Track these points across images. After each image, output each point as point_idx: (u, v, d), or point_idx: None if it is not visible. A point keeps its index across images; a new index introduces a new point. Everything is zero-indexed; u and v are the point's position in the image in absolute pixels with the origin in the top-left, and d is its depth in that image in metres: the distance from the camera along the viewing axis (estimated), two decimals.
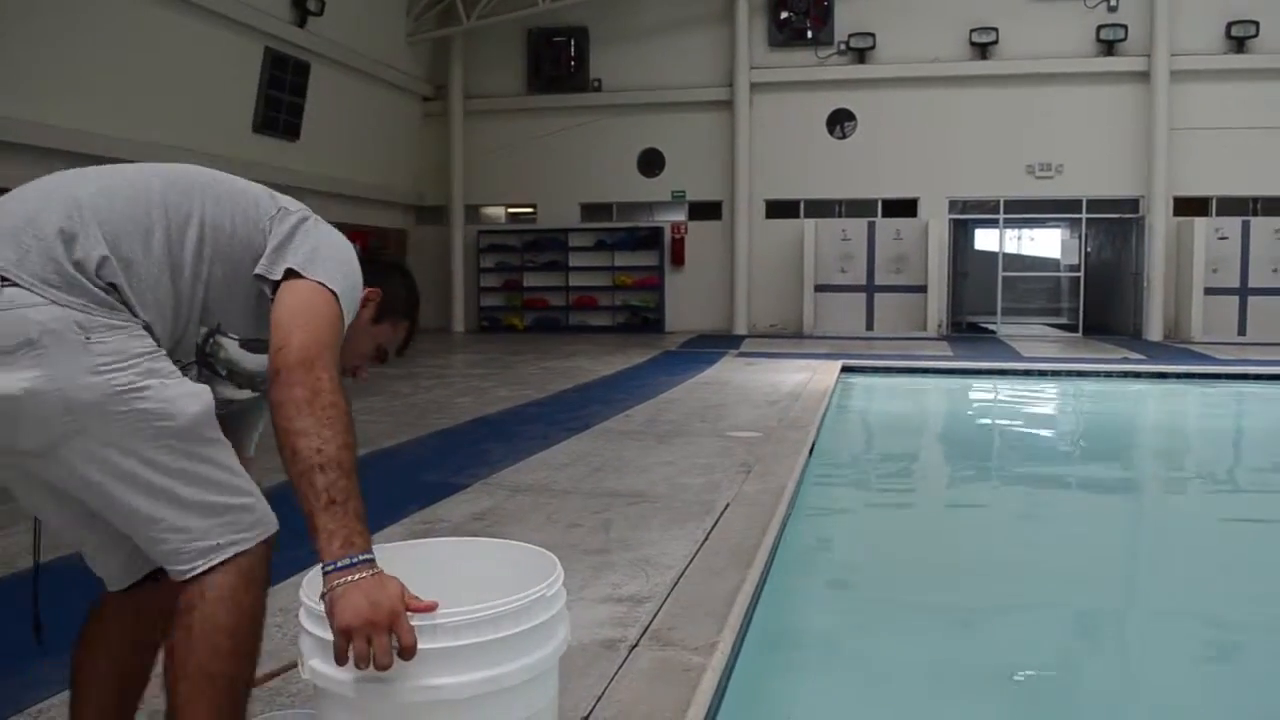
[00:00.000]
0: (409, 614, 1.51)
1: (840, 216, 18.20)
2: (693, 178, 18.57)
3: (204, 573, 1.68)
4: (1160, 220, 16.88)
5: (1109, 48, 16.94)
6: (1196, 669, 3.68)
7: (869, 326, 17.67)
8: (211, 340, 1.83)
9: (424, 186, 19.58)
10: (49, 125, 11.11)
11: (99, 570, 1.88)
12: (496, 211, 20.03)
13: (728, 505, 4.85)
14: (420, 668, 1.51)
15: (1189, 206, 17.10)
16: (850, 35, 17.68)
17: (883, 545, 5.44)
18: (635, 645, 3.08)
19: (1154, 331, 16.85)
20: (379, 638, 1.47)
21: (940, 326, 17.53)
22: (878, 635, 3.93)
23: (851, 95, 17.94)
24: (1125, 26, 16.73)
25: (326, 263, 1.80)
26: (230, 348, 1.84)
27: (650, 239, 18.75)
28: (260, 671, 1.96)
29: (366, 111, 17.47)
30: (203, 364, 1.82)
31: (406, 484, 5.48)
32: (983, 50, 17.32)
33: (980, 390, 11.92)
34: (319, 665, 1.56)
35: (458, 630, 1.53)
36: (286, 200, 1.93)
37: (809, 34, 17.88)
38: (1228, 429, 9.99)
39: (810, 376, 10.53)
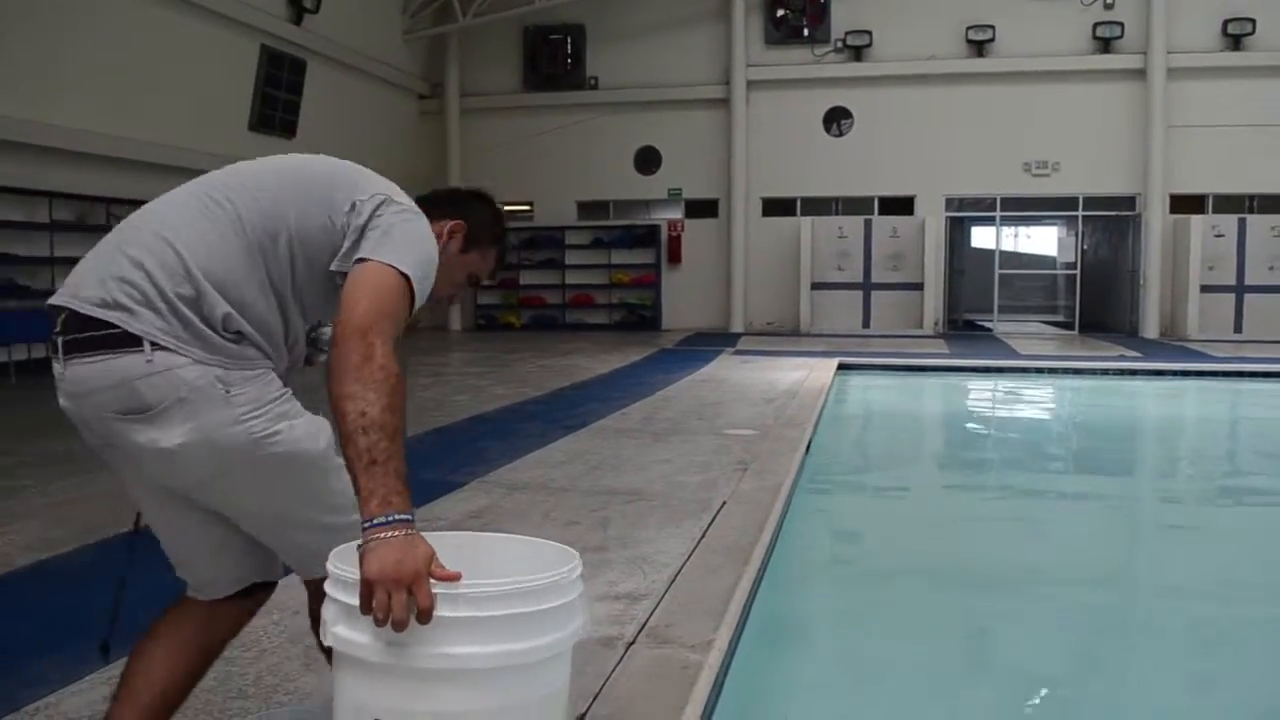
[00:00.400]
0: (433, 580, 1.54)
1: (837, 214, 18.23)
2: (689, 176, 18.57)
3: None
4: (1156, 218, 16.90)
5: (1105, 45, 16.96)
6: (1193, 665, 3.69)
7: (865, 324, 17.68)
8: (314, 331, 2.09)
9: (420, 185, 19.51)
10: (48, 124, 11.11)
11: (196, 575, 2.04)
12: None
13: (724, 503, 4.86)
14: (442, 635, 1.52)
15: (1185, 204, 17.12)
16: (847, 33, 17.70)
17: (880, 543, 5.45)
18: (632, 643, 3.09)
19: (1150, 329, 16.88)
20: (398, 594, 1.50)
21: (937, 324, 17.55)
22: (875, 632, 3.94)
23: (848, 93, 17.95)
24: (1121, 24, 16.75)
25: (396, 245, 1.86)
26: (328, 333, 2.00)
27: (647, 237, 18.76)
28: None
29: (363, 109, 17.46)
30: (308, 345, 2.02)
31: None
32: (979, 48, 17.33)
33: (977, 388, 11.94)
34: (342, 631, 1.57)
35: (480, 601, 1.54)
36: (362, 189, 1.96)
37: (805, 32, 17.90)
38: (1224, 426, 10.01)
39: (807, 374, 10.54)
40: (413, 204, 2.00)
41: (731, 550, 4.00)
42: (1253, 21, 16.30)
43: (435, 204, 2.18)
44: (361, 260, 1.83)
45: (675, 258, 18.68)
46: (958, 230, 19.41)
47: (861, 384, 11.42)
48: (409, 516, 1.59)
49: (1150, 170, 16.85)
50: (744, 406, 8.39)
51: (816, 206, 18.24)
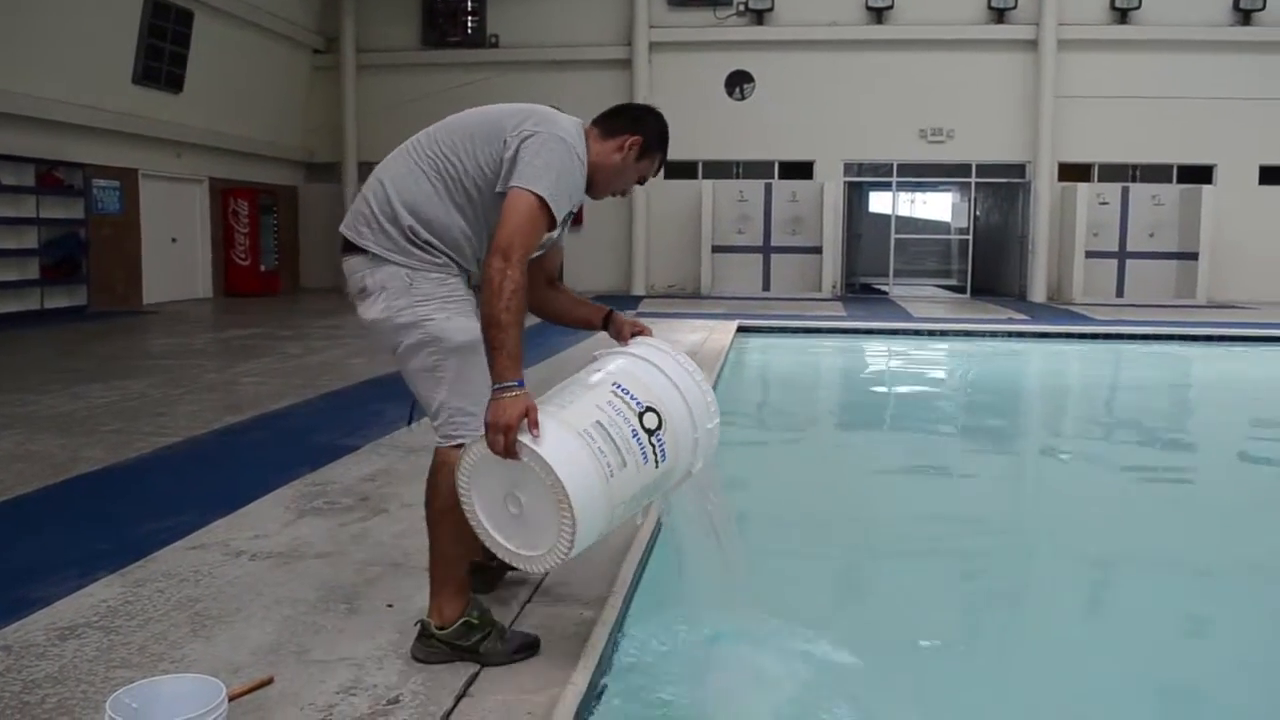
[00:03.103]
0: (522, 429, 2.32)
1: (738, 178, 18.33)
2: None
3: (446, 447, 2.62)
4: (1045, 185, 17.39)
5: (999, 16, 17.31)
6: (1078, 606, 3.85)
7: (765, 287, 17.87)
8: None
9: (315, 143, 19.09)
10: None
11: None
12: None
13: None
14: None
15: (1072, 172, 17.66)
16: None
17: (775, 499, 5.54)
18: (528, 601, 3.10)
19: (1038, 293, 17.42)
20: (493, 435, 2.32)
21: (835, 287, 17.82)
22: (770, 586, 4.00)
23: (750, 57, 18.01)
24: None
25: (535, 173, 2.49)
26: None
27: None
28: None
29: (254, 64, 16.91)
30: None
31: (297, 446, 5.39)
32: (879, 15, 17.52)
33: (872, 349, 12.19)
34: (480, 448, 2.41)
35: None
36: (513, 128, 2.57)
37: None
38: (1102, 384, 10.42)
39: (706, 336, 10.62)
40: (558, 129, 2.57)
41: None
42: None
43: (617, 117, 2.79)
44: (510, 187, 2.49)
45: (576, 219, 18.49)
46: (856, 195, 19.71)
47: (760, 345, 11.56)
48: (512, 383, 2.35)
49: (1040, 139, 17.31)
50: None
51: (717, 170, 18.30)
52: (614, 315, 2.91)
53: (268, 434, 5.84)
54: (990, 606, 4.00)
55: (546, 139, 2.54)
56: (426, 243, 2.58)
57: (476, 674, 2.59)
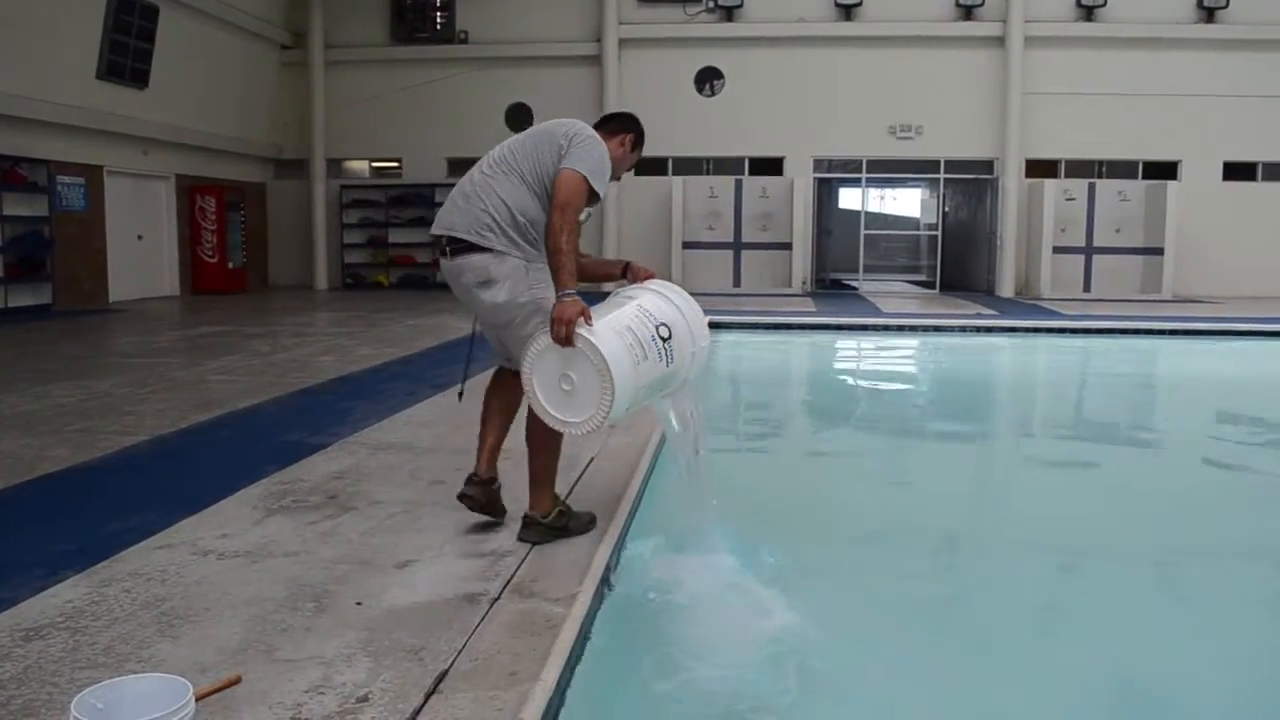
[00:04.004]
0: (579, 324, 3.23)
1: (708, 174, 18.35)
2: None
3: None
4: (1013, 181, 17.53)
5: (967, 13, 17.43)
6: (1035, 584, 3.90)
7: (736, 283, 17.90)
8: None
9: (282, 139, 18.94)
10: None
11: (507, 357, 3.73)
12: (360, 165, 19.51)
13: (592, 460, 4.89)
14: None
15: (1040, 168, 17.81)
16: None
17: (746, 494, 5.54)
18: (497, 598, 3.10)
19: (1006, 288, 17.56)
20: (558, 326, 3.21)
21: (805, 283, 17.88)
22: (740, 584, 4.02)
23: (720, 53, 18.04)
24: None
25: (581, 159, 3.45)
26: None
27: None
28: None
29: (220, 60, 16.76)
30: None
31: (265, 444, 5.35)
32: (847, 12, 17.60)
33: (842, 344, 12.24)
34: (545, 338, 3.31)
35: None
36: (564, 135, 3.55)
37: None
38: (1070, 378, 10.52)
39: None
40: (593, 133, 3.59)
41: (597, 506, 4.04)
42: None
43: (613, 121, 3.86)
44: (561, 169, 3.44)
45: None
46: (825, 191, 19.78)
47: (731, 341, 11.58)
48: (571, 291, 3.27)
49: (1007, 135, 17.46)
50: None
51: (688, 166, 18.31)
52: (631, 265, 3.92)
53: (235, 432, 5.80)
54: (958, 578, 4.04)
55: (588, 138, 3.55)
56: (535, 238, 3.52)
57: (446, 671, 2.59)
